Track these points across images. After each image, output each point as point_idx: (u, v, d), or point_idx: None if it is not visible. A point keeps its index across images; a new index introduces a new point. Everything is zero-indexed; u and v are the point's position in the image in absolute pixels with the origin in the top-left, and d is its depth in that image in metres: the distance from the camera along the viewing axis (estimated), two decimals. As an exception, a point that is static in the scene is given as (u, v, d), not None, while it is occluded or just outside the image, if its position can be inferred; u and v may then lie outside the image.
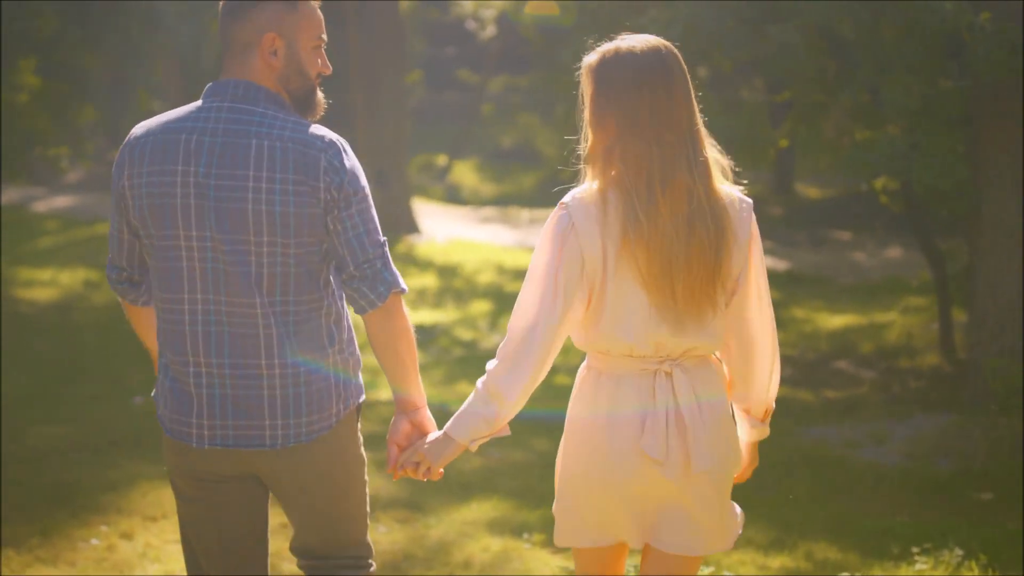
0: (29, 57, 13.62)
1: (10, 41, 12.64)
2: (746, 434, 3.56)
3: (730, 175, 3.36)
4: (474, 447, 3.38)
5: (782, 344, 11.69)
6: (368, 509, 3.62)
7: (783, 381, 10.58)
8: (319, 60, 3.44)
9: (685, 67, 3.33)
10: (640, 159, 3.22)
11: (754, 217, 3.38)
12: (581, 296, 3.30)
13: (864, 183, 10.58)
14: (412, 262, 16.26)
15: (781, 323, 12.90)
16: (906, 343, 11.74)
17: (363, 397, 3.54)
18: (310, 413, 3.39)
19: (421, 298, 13.88)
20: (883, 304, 13.69)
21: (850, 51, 9.61)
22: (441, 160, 30.84)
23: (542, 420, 7.48)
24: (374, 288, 3.37)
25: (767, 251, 15.88)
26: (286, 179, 3.27)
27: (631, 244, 3.23)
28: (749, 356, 3.43)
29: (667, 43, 3.34)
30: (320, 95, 3.48)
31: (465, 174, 29.46)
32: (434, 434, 3.44)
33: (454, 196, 26.06)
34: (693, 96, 3.31)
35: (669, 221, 3.23)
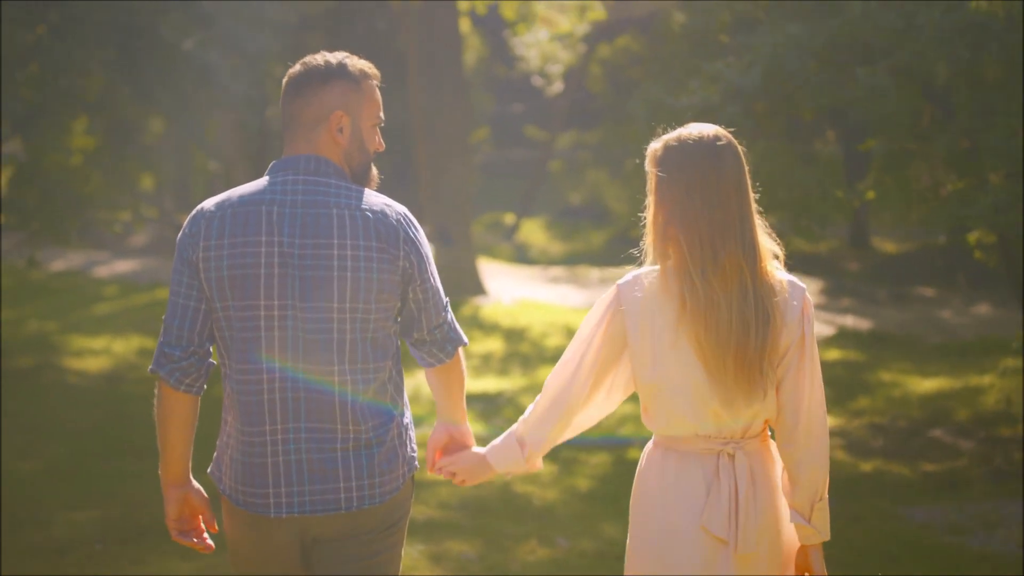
0: (79, 117, 13.18)
1: (58, 99, 12.18)
2: (798, 534, 3.58)
3: (782, 260, 3.54)
4: (508, 476, 3.78)
5: (870, 410, 10.97)
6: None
7: (875, 453, 9.92)
8: (376, 138, 3.63)
9: (741, 155, 3.51)
10: (692, 241, 3.41)
11: (809, 301, 3.53)
12: (619, 374, 3.59)
13: (946, 236, 9.80)
14: (477, 325, 15.63)
15: (867, 387, 12.12)
16: (1005, 409, 10.88)
17: (418, 463, 3.66)
18: (382, 475, 3.49)
19: (486, 364, 13.23)
20: (977, 366, 12.83)
21: (945, 94, 8.87)
22: (509, 219, 30.38)
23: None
24: (443, 348, 3.63)
25: (847, 309, 15.08)
26: (370, 247, 3.42)
27: (688, 316, 3.41)
28: (794, 443, 3.49)
29: (725, 132, 3.52)
30: (375, 170, 3.66)
31: (533, 233, 28.99)
32: (474, 452, 3.78)
33: (522, 255, 25.60)
34: (747, 183, 3.49)
35: (722, 297, 3.41)
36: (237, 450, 3.47)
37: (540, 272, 22.44)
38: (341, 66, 3.55)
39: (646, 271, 3.52)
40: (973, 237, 10.21)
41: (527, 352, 13.90)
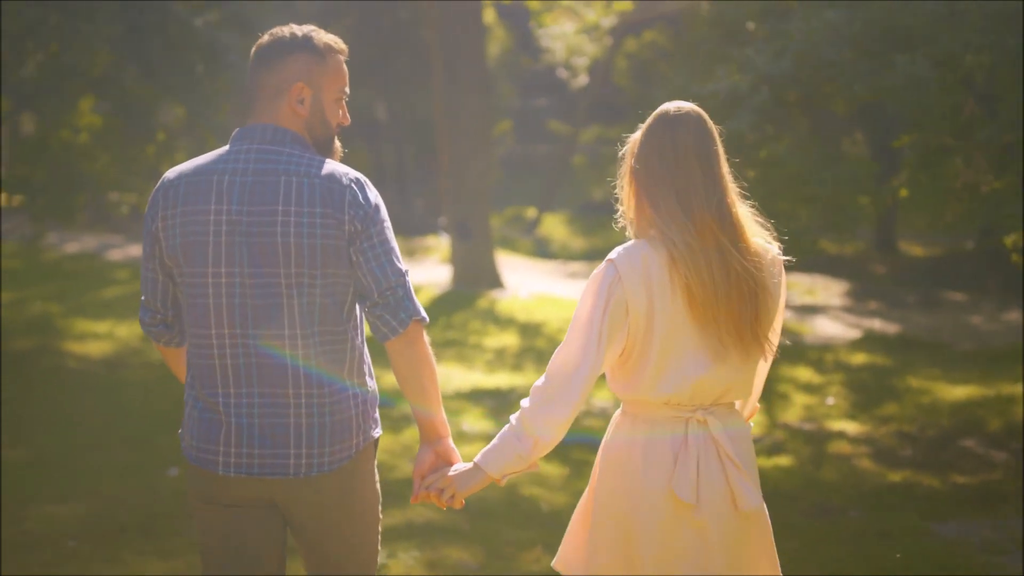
0: (86, 95, 12.78)
1: (63, 74, 11.77)
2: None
3: (766, 230, 3.64)
4: (504, 481, 3.57)
5: (898, 417, 10.48)
6: (379, 545, 3.74)
7: (904, 463, 9.44)
8: (340, 112, 3.67)
9: (707, 127, 3.61)
10: (659, 204, 3.52)
11: (784, 274, 3.66)
12: (618, 345, 3.51)
13: (975, 241, 9.32)
14: (492, 319, 15.21)
15: (895, 393, 11.65)
16: (1040, 419, 10.42)
17: (380, 432, 3.69)
18: (333, 443, 3.52)
19: (499, 359, 12.80)
20: (1010, 374, 12.33)
21: (988, 86, 8.37)
22: (530, 213, 30.02)
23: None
24: (396, 315, 3.53)
25: (874, 312, 14.56)
26: (313, 212, 3.45)
27: (679, 269, 3.46)
28: (756, 381, 3.78)
29: (693, 107, 3.65)
30: (338, 144, 3.70)
31: (555, 227, 28.64)
32: (462, 464, 3.62)
33: (543, 250, 25.27)
34: (714, 153, 3.57)
35: (702, 251, 3.47)
36: (195, 407, 3.57)
37: (559, 267, 22.03)
38: (306, 38, 3.60)
39: (634, 243, 3.57)
40: (1010, 240, 9.73)
41: (542, 347, 13.46)
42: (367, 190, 3.53)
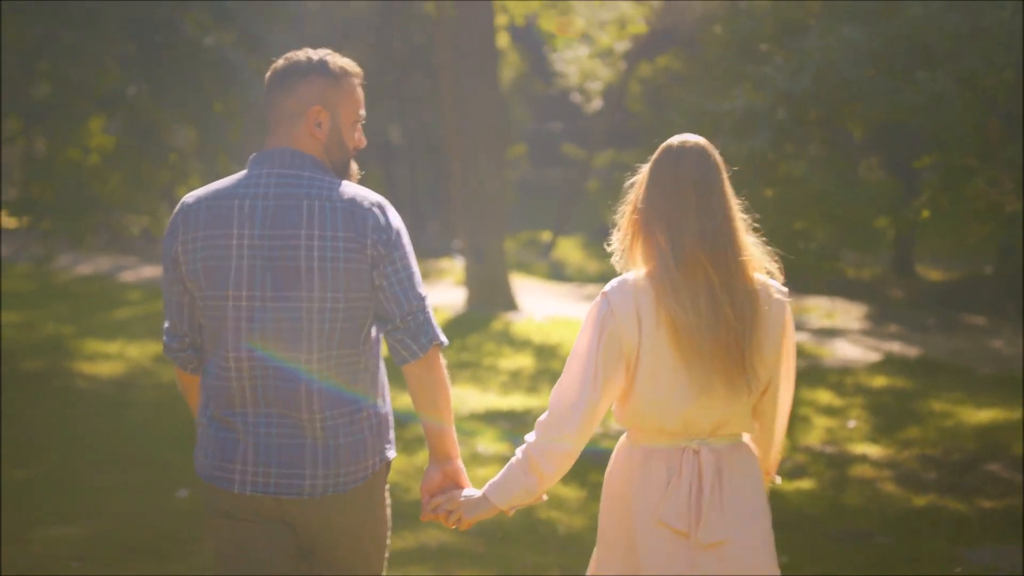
0: (95, 114, 12.66)
1: (71, 93, 11.66)
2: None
3: (772, 269, 3.60)
4: (511, 512, 3.63)
5: (921, 441, 10.26)
6: (384, 568, 3.75)
7: (929, 487, 9.24)
8: (357, 135, 3.67)
9: (712, 160, 3.58)
10: (654, 233, 3.53)
11: (789, 310, 3.61)
12: (618, 377, 3.53)
13: (993, 265, 9.12)
14: (508, 341, 15.05)
15: (917, 416, 11.44)
16: (1065, 444, 10.21)
17: (394, 453, 3.69)
18: (348, 464, 3.54)
19: (515, 380, 12.63)
20: (1033, 398, 12.12)
21: (1012, 103, 8.19)
22: (545, 236, 29.92)
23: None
24: (416, 340, 3.56)
25: (893, 335, 14.31)
26: (336, 236, 3.46)
27: (665, 300, 3.46)
28: (767, 433, 3.72)
29: (700, 140, 3.61)
30: (354, 166, 3.71)
31: (570, 251, 28.55)
32: (471, 491, 3.66)
33: (558, 273, 25.19)
34: (715, 186, 3.55)
35: (688, 285, 3.47)
36: (210, 427, 3.57)
37: (574, 289, 21.88)
38: (322, 62, 3.60)
39: (627, 275, 3.57)
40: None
41: (557, 369, 13.28)
42: (389, 214, 3.55)
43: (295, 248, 3.45)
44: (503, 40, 27.00)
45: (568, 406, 3.52)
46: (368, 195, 3.55)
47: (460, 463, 3.72)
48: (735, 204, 3.59)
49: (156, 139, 13.24)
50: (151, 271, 21.88)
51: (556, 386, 3.56)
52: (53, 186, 12.65)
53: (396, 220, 3.56)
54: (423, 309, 3.57)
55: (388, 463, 3.66)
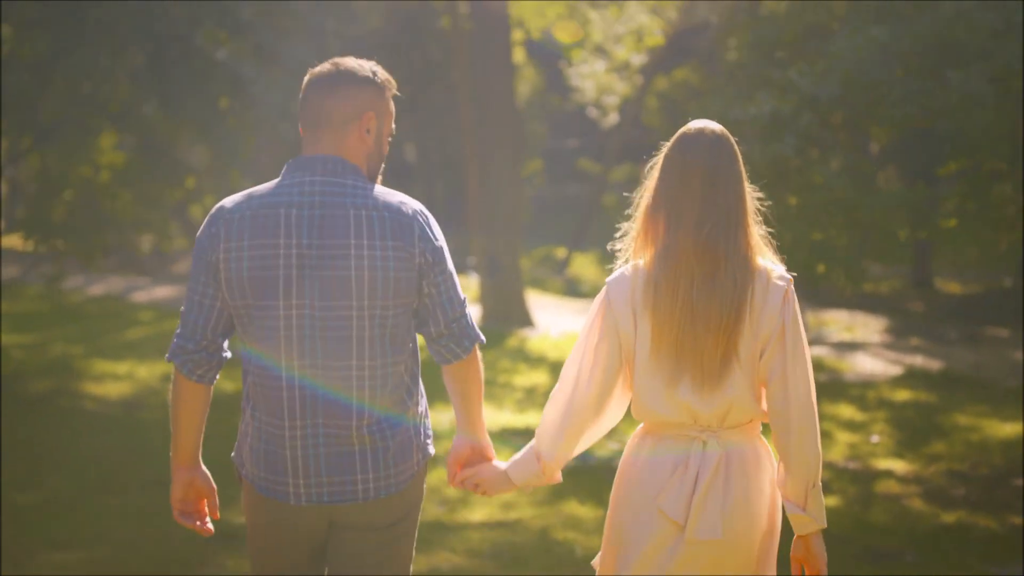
0: (105, 130, 12.49)
1: (81, 107, 11.48)
2: (793, 524, 3.56)
3: (774, 256, 3.58)
4: (528, 490, 3.85)
5: (947, 456, 9.95)
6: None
7: (957, 503, 8.96)
8: (387, 147, 3.75)
9: (726, 149, 3.57)
10: (653, 223, 3.57)
11: (792, 294, 3.52)
12: (616, 367, 3.61)
13: (1011, 278, 8.83)
14: (523, 357, 14.82)
15: (942, 431, 11.17)
16: (1095, 458, 9.92)
17: (433, 450, 3.76)
18: (396, 465, 3.62)
19: (530, 398, 12.39)
20: (1061, 411, 11.83)
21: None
22: (560, 253, 29.71)
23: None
24: (460, 343, 3.69)
25: (915, 349, 13.99)
26: (385, 245, 3.51)
27: (651, 296, 3.51)
28: (784, 431, 3.52)
29: (717, 128, 3.61)
30: (380, 178, 3.77)
31: (585, 267, 28.33)
32: (496, 466, 3.82)
33: (573, 289, 24.94)
34: (724, 176, 3.54)
35: (671, 278, 3.50)
36: (257, 439, 3.59)
37: (590, 306, 21.61)
38: (374, 72, 3.67)
39: (628, 266, 3.61)
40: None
41: (574, 387, 13.03)
42: (431, 221, 3.62)
43: (345, 258, 3.50)
44: (519, 55, 26.84)
45: (566, 395, 3.64)
46: (411, 202, 3.61)
47: (487, 438, 3.86)
48: (748, 195, 3.58)
49: (169, 157, 13.07)
50: (163, 291, 21.71)
51: (561, 374, 3.69)
52: (65, 204, 12.47)
53: (437, 227, 3.64)
54: (465, 314, 3.70)
55: (429, 457, 3.75)
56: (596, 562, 3.78)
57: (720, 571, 3.53)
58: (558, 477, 3.77)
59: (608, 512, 3.72)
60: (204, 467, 3.72)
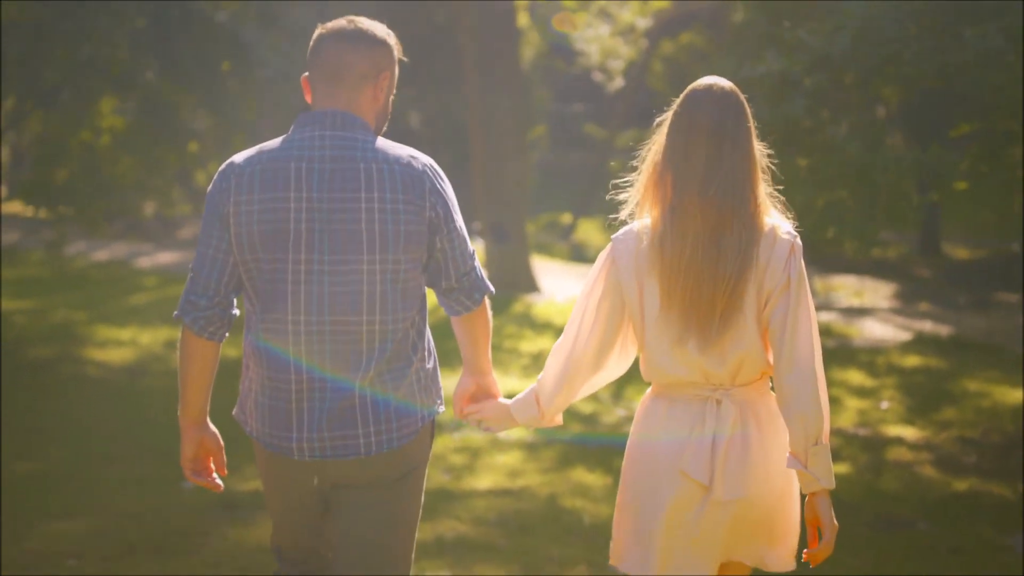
0: (106, 94, 12.34)
1: (81, 71, 11.33)
2: (799, 482, 3.52)
3: (784, 214, 3.57)
4: (530, 428, 4.08)
5: (958, 422, 9.83)
6: (413, 547, 3.79)
7: (969, 470, 8.85)
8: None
9: (734, 105, 3.54)
10: (660, 181, 3.54)
11: (798, 247, 3.50)
12: (617, 325, 3.62)
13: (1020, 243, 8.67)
14: (529, 323, 14.70)
15: (952, 397, 11.05)
16: (1108, 424, 9.80)
17: (442, 408, 3.77)
18: (399, 418, 3.61)
19: (536, 364, 12.27)
20: (1072, 377, 11.70)
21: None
22: (566, 219, 29.58)
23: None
24: (471, 296, 3.74)
25: (924, 314, 13.83)
26: (396, 198, 3.52)
27: (656, 253, 3.50)
28: (784, 383, 3.47)
29: (726, 84, 3.59)
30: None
31: (591, 233, 28.22)
32: (500, 403, 3.86)
33: (579, 255, 24.84)
34: (731, 134, 3.51)
35: (679, 235, 3.48)
36: (262, 394, 3.60)
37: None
38: (388, 34, 3.70)
39: (633, 224, 3.60)
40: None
41: (581, 353, 12.92)
42: (441, 176, 3.65)
43: (355, 211, 3.50)
44: (523, 19, 26.60)
45: (564, 349, 3.66)
46: (420, 156, 3.62)
47: (493, 376, 3.91)
48: (756, 153, 3.55)
49: (171, 121, 12.92)
50: (167, 257, 21.58)
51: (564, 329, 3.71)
52: (66, 169, 12.34)
53: (447, 181, 3.66)
54: (475, 267, 3.73)
55: (434, 420, 3.76)
56: (614, 554, 3.73)
57: (744, 526, 3.55)
58: (558, 420, 3.81)
59: (622, 480, 3.70)
60: (212, 426, 3.74)
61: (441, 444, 8.47)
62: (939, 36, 7.25)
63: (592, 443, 8.98)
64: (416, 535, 3.80)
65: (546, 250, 24.28)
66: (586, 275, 3.79)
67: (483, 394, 3.92)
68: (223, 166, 3.63)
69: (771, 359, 3.53)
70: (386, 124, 3.76)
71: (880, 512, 7.49)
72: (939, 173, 7.78)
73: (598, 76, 29.25)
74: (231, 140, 13.78)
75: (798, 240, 3.52)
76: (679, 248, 3.47)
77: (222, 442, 3.75)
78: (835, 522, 3.49)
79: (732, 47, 9.35)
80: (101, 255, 21.29)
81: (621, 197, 3.68)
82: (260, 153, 3.60)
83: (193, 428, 3.69)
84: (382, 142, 3.62)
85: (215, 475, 3.75)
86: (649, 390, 3.71)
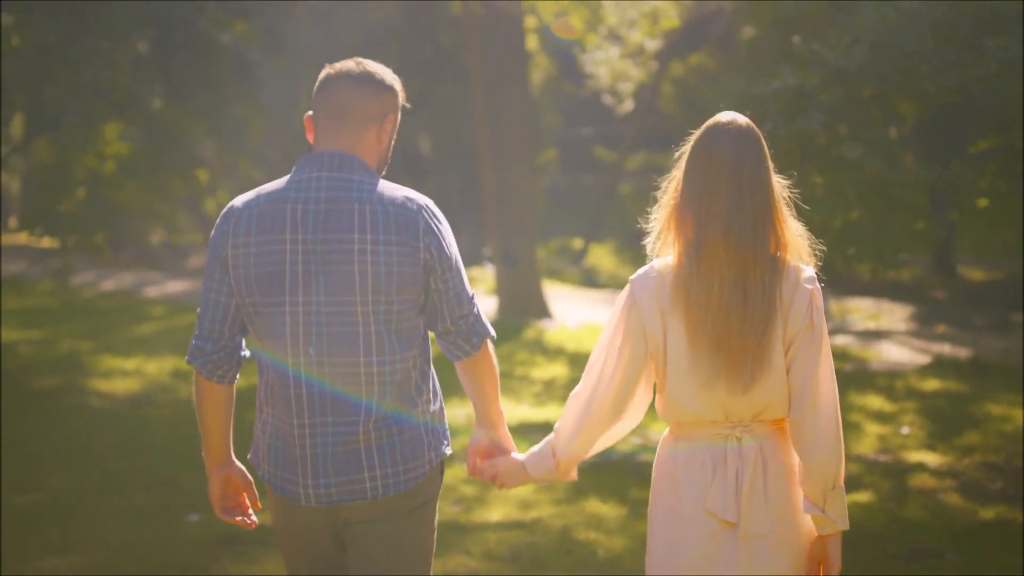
0: (110, 119, 12.18)
1: (83, 95, 11.18)
2: (814, 524, 3.53)
3: (809, 256, 3.56)
4: (544, 484, 4.30)
5: (981, 447, 9.56)
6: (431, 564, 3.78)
7: (994, 497, 8.60)
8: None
9: (752, 143, 3.51)
10: (684, 221, 3.50)
11: (818, 291, 3.51)
12: (640, 367, 3.57)
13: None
14: (541, 349, 14.48)
15: (974, 421, 10.79)
16: None
17: (449, 450, 3.75)
18: (405, 461, 3.60)
19: (548, 391, 12.05)
20: (1095, 399, 11.44)
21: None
22: (577, 243, 29.42)
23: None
24: (469, 340, 3.69)
25: (942, 336, 13.57)
26: (389, 240, 3.52)
27: (681, 292, 3.46)
28: (803, 431, 3.48)
29: (743, 120, 3.55)
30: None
31: (602, 257, 28.05)
32: (514, 459, 3.83)
33: (591, 280, 24.65)
34: (749, 172, 3.48)
35: (704, 276, 3.45)
36: (273, 436, 3.62)
37: (608, 296, 21.34)
38: (394, 79, 3.73)
39: (654, 263, 3.59)
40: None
41: (593, 379, 12.68)
42: (437, 215, 3.62)
43: (348, 252, 3.50)
44: (532, 43, 26.48)
45: (585, 395, 3.62)
46: (417, 197, 3.61)
47: (505, 430, 3.87)
48: (777, 192, 3.53)
49: (176, 146, 12.77)
50: (176, 286, 21.43)
51: (584, 373, 3.66)
52: (70, 196, 12.18)
53: (444, 221, 3.64)
54: (473, 310, 3.68)
55: (442, 461, 3.73)
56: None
57: (776, 570, 3.51)
58: (573, 475, 3.79)
59: (649, 527, 3.66)
60: (237, 462, 3.76)
61: (451, 475, 8.25)
62: (959, 49, 7.04)
63: (612, 456, 8.78)
64: (431, 569, 3.78)
65: (557, 275, 24.10)
66: (602, 303, 3.62)
67: (497, 450, 3.89)
68: (224, 209, 3.66)
69: (789, 401, 3.51)
70: (385, 168, 3.77)
71: (907, 542, 7.24)
72: (960, 190, 7.55)
73: (608, 99, 29.13)
74: (237, 165, 13.62)
75: (817, 287, 3.53)
76: (705, 289, 3.45)
77: (250, 477, 3.77)
78: (840, 563, 3.54)
79: (743, 66, 9.14)
80: (109, 285, 21.16)
81: (638, 227, 3.68)
82: (259, 196, 3.61)
83: (217, 468, 3.72)
84: (379, 184, 3.62)
85: (250, 511, 3.78)
86: (667, 432, 3.68)
